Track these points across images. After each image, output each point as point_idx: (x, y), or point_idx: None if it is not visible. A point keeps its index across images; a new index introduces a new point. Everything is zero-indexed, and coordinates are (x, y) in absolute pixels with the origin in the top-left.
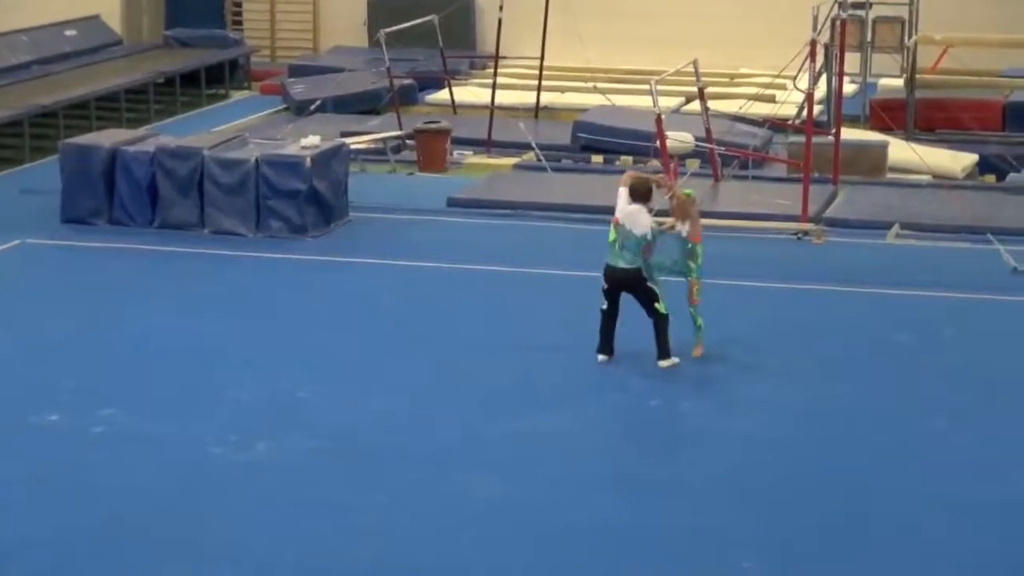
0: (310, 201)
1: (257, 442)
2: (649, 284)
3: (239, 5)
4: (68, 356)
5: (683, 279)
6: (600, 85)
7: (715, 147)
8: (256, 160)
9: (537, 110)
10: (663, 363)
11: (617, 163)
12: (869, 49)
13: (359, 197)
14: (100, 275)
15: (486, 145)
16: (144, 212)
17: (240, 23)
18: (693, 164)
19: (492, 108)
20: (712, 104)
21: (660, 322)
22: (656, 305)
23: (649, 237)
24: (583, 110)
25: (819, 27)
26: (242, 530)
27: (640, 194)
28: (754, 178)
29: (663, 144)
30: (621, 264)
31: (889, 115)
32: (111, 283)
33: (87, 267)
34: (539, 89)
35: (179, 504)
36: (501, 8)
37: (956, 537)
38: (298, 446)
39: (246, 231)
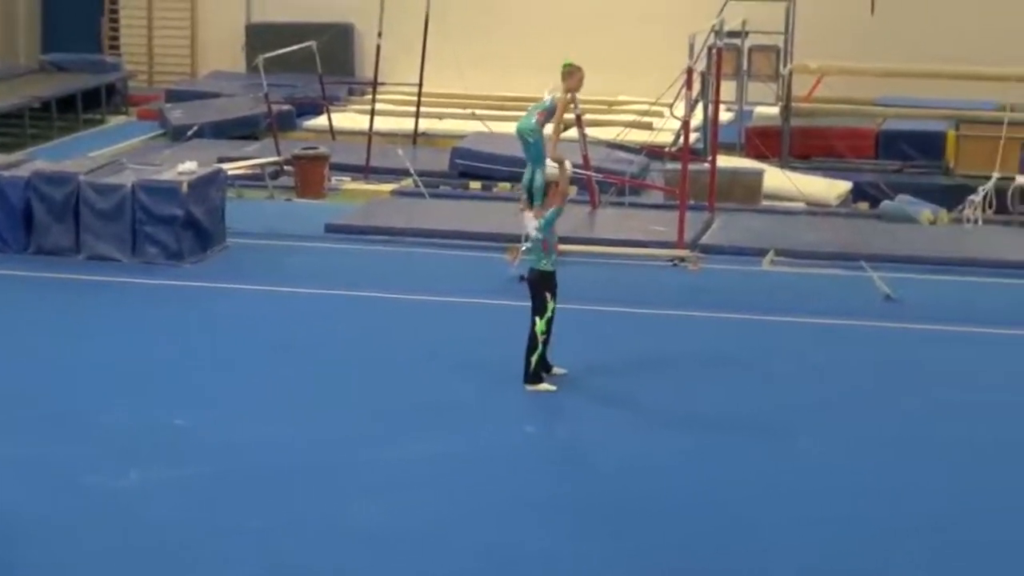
0: (187, 227)
1: (132, 469)
2: (544, 293)
3: (116, 29)
4: None
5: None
6: (478, 111)
7: (593, 174)
8: (132, 186)
9: (415, 136)
10: (527, 387)
11: (495, 189)
12: (745, 77)
13: (237, 223)
14: None
15: (364, 171)
16: (19, 237)
17: (117, 47)
18: (571, 191)
19: (370, 134)
20: (590, 131)
21: (530, 340)
22: (536, 318)
23: (540, 236)
24: (461, 136)
25: (696, 55)
26: (117, 559)
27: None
28: (631, 205)
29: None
30: (532, 265)
31: (764, 143)
32: None
33: None
34: (417, 115)
35: (48, 532)
36: (380, 35)
37: (825, 554)
38: (175, 473)
39: (122, 257)
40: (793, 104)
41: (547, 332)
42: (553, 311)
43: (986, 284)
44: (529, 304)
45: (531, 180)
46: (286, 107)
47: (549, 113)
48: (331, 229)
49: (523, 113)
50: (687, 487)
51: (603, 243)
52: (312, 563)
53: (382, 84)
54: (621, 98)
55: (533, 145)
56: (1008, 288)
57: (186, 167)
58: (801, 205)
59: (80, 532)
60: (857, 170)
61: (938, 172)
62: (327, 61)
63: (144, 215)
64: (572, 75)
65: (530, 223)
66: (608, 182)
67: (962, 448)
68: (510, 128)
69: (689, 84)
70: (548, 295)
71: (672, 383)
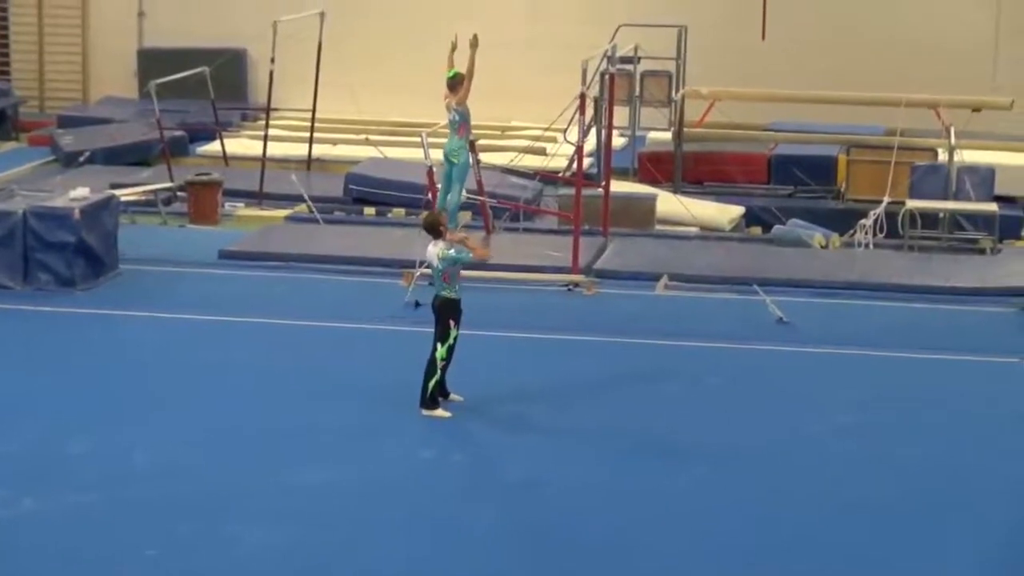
0: (79, 253)
1: (24, 497)
2: (448, 320)
3: (6, 54)
4: None
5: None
6: (372, 137)
7: (487, 199)
8: (24, 212)
9: (309, 162)
10: (423, 411)
11: (389, 215)
12: (638, 103)
13: (130, 249)
14: None
15: (258, 197)
16: None
17: (7, 72)
18: (465, 216)
19: (264, 160)
20: (484, 156)
21: (429, 365)
22: (437, 344)
23: (441, 267)
24: (355, 162)
25: (589, 81)
26: None
27: (431, 229)
28: (525, 230)
29: (434, 196)
30: (436, 292)
31: (657, 168)
32: None
33: None
34: (311, 141)
35: None
36: (273, 60)
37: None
38: (67, 500)
39: (13, 284)
40: (686, 129)
41: (447, 359)
42: (455, 338)
43: (877, 307)
44: (427, 329)
45: (446, 200)
46: (179, 133)
47: (464, 123)
48: (225, 255)
49: (416, 138)
50: (582, 511)
51: (498, 268)
52: None
53: (275, 110)
54: (514, 123)
55: (458, 166)
56: (899, 311)
57: (78, 193)
58: (694, 230)
59: None
60: (749, 195)
61: (829, 196)
62: (220, 87)
63: (36, 242)
64: (461, 83)
65: (432, 251)
66: (502, 207)
67: (853, 467)
68: (404, 154)
69: (582, 109)
70: (452, 322)
71: (567, 407)
